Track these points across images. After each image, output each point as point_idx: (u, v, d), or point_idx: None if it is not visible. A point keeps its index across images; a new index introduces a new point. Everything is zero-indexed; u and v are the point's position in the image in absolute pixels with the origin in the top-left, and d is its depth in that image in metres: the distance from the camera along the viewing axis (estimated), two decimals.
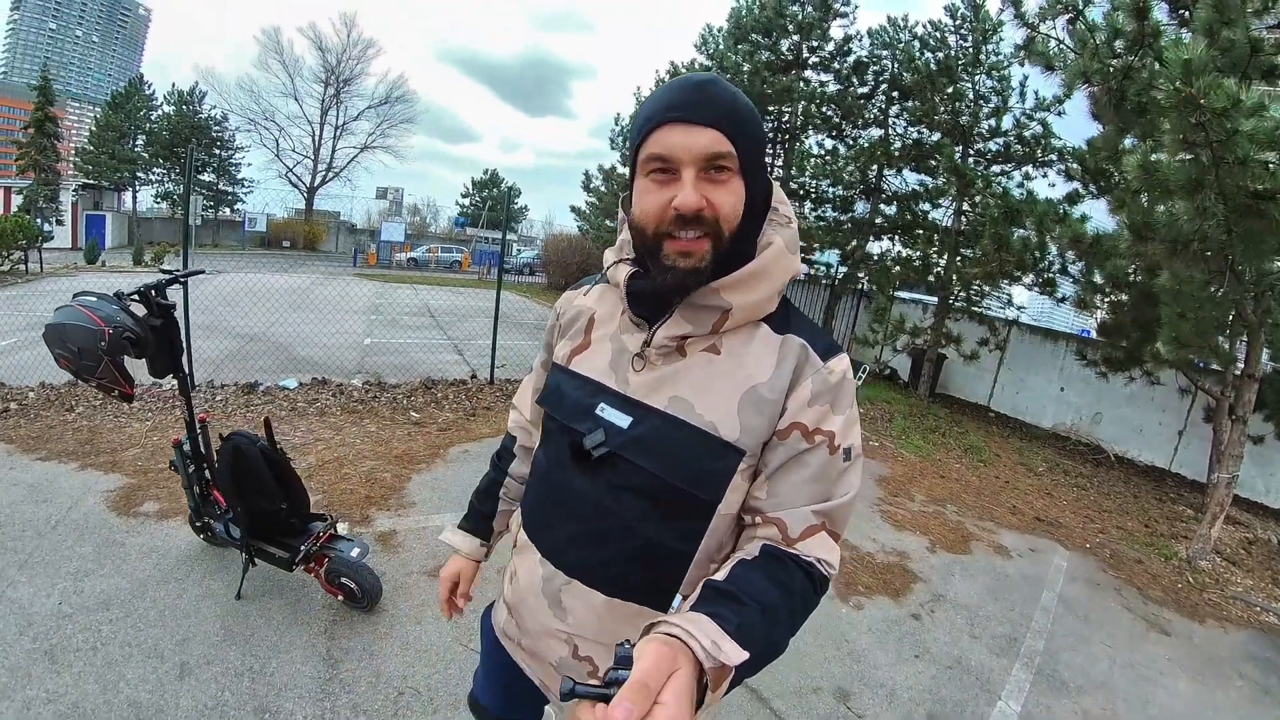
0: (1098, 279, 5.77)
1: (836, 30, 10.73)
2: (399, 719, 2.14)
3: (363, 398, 5.65)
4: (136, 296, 2.46)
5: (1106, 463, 7.03)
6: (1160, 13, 3.96)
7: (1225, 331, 4.34)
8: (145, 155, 33.09)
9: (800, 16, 10.51)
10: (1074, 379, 8.18)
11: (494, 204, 42.85)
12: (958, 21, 9.09)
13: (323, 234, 34.98)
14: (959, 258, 8.92)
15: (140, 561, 2.88)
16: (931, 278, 9.22)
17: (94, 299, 2.39)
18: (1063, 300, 7.58)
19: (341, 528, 3.15)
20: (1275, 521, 5.74)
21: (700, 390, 0.84)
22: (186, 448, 2.75)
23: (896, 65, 10.03)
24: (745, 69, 10.25)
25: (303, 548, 2.56)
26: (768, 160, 0.84)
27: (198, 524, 2.94)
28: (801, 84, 10.63)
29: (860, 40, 10.61)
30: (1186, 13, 4.26)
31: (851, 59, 10.63)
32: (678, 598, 0.83)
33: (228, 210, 32.96)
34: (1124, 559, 4.25)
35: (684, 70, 12.46)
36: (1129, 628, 3.34)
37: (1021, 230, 7.17)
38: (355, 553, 2.60)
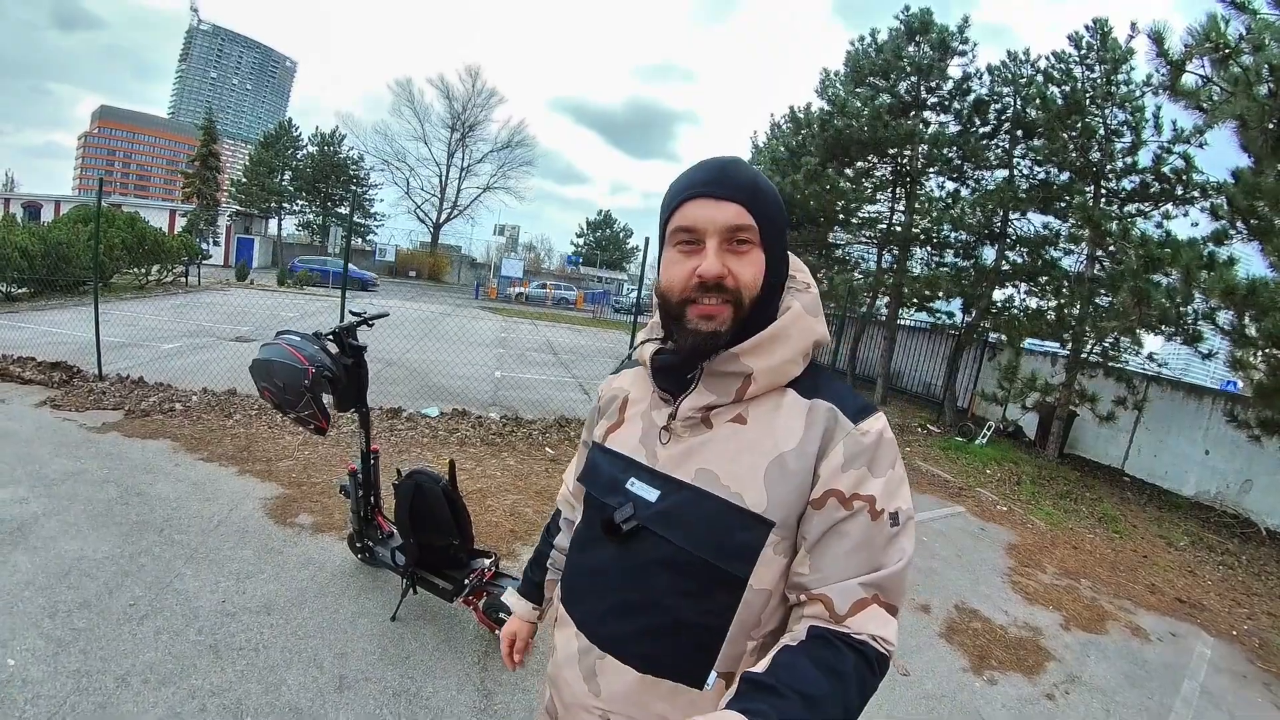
0: (1252, 332, 5.26)
1: (955, 69, 10.50)
2: None
3: (500, 431, 5.92)
4: (332, 337, 2.67)
5: (1257, 538, 6.28)
6: None
7: None
8: (290, 188, 37.71)
9: (918, 57, 10.38)
10: (1221, 441, 7.38)
11: (607, 244, 44.52)
12: (1083, 51, 8.63)
13: (446, 266, 37.78)
14: (1092, 307, 8.31)
15: (298, 571, 3.06)
16: (1065, 332, 8.58)
17: (298, 338, 2.60)
18: (1209, 355, 6.90)
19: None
20: None
21: (726, 461, 0.84)
22: (360, 477, 2.91)
23: (1020, 102, 9.64)
24: (865, 113, 10.21)
25: (468, 581, 2.63)
26: (789, 233, 0.88)
27: (358, 545, 3.08)
28: (922, 125, 10.45)
29: (980, 78, 10.32)
30: None
31: (971, 98, 10.34)
32: (713, 674, 0.83)
33: (360, 240, 36.41)
34: (1274, 649, 3.81)
35: (800, 115, 12.60)
36: None
37: (1164, 277, 6.62)
38: None
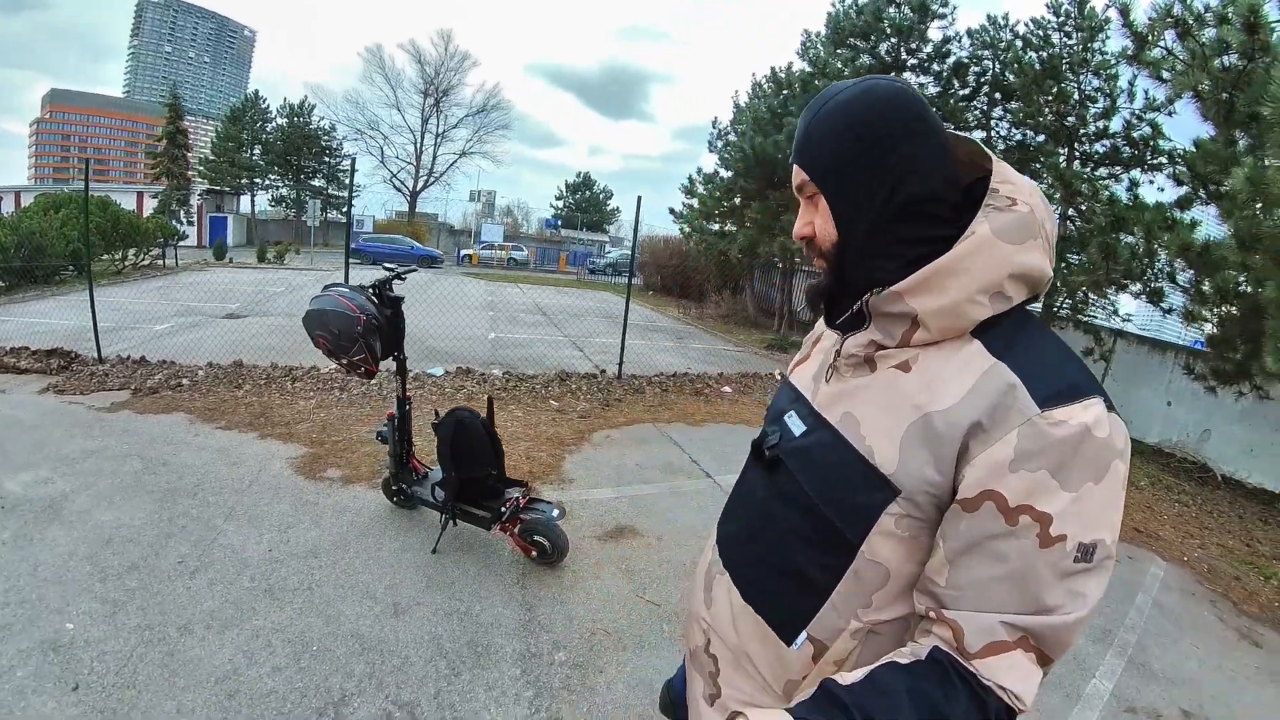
0: (1206, 289, 5.62)
1: (935, 32, 10.67)
2: (594, 653, 2.47)
3: (504, 386, 6.22)
4: (372, 290, 2.86)
5: (1212, 482, 6.76)
6: (1272, 9, 3.91)
7: None
8: (261, 163, 36.68)
9: (898, 19, 10.50)
10: (1182, 394, 7.84)
11: (587, 206, 44.06)
12: (1061, 18, 8.83)
13: (425, 235, 37.31)
14: (1064, 264, 8.69)
15: (336, 519, 3.24)
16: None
17: (347, 290, 2.80)
18: (1169, 311, 7.30)
19: None
20: None
21: (874, 410, 0.75)
22: (397, 421, 3.10)
23: (999, 66, 9.85)
24: (846, 74, 10.35)
25: (505, 509, 2.85)
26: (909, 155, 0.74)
27: (394, 488, 3.30)
28: None
29: (960, 41, 10.50)
30: None
31: (951, 60, 10.53)
32: (803, 635, 0.78)
33: (335, 212, 35.76)
34: (1221, 574, 4.22)
35: (782, 75, 12.67)
36: (1220, 635, 3.41)
37: (1130, 237, 6.97)
38: (555, 514, 2.91)
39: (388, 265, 3.10)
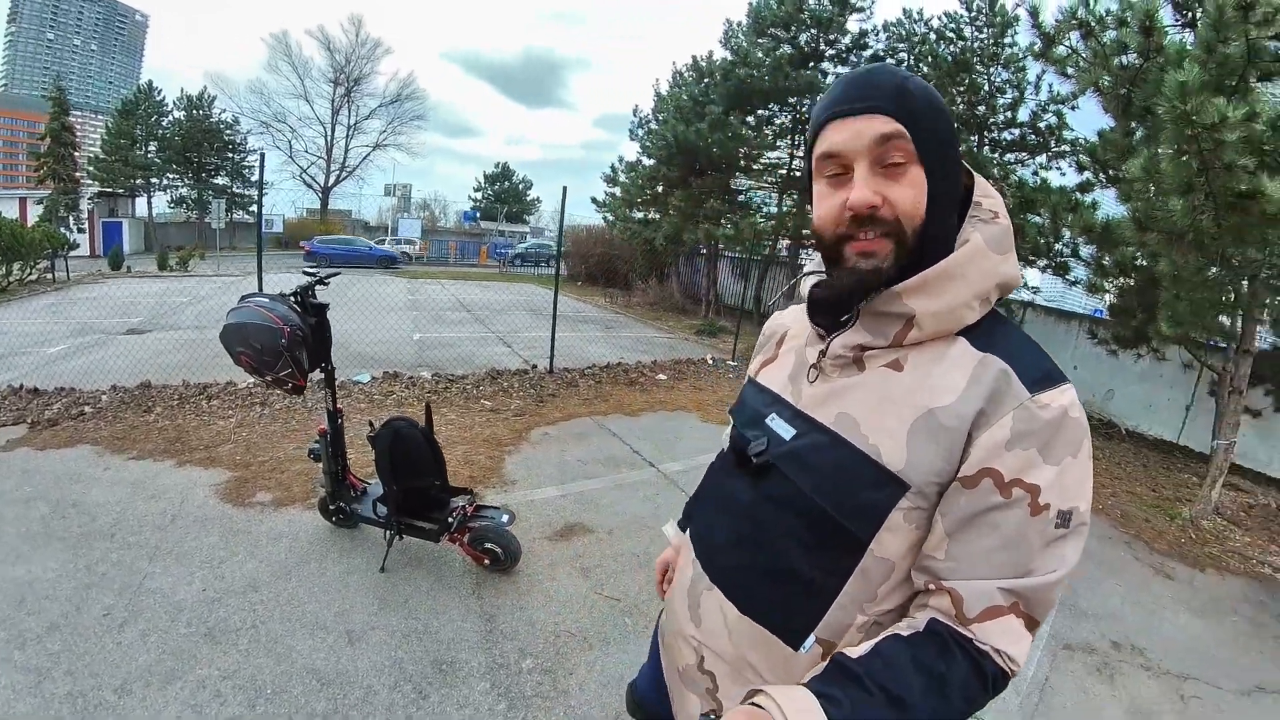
0: (1107, 263, 6.17)
1: (853, 24, 11.12)
2: (561, 656, 2.45)
3: (435, 388, 6.04)
4: (294, 298, 2.68)
5: (1118, 436, 7.46)
6: (1166, 14, 4.36)
7: (1224, 311, 4.76)
8: (158, 161, 33.76)
9: (818, 11, 10.86)
10: (1087, 358, 8.56)
11: (507, 197, 43.17)
12: (973, 14, 9.39)
13: (339, 232, 35.61)
14: None
15: (272, 546, 3.03)
16: None
17: (267, 300, 2.60)
18: (1074, 284, 7.97)
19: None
20: (1276, 489, 6.15)
21: (870, 409, 0.76)
22: (330, 436, 2.90)
23: (913, 58, 10.35)
24: (767, 63, 10.61)
25: (452, 519, 2.76)
26: (960, 149, 0.76)
27: (331, 508, 3.10)
28: (820, 76, 10.99)
29: (877, 34, 10.98)
30: (1190, 14, 4.66)
31: (868, 53, 10.99)
32: (811, 638, 0.77)
33: (243, 213, 33.58)
34: (1133, 518, 4.70)
35: (703, 64, 12.83)
36: (1137, 573, 3.81)
37: (1036, 217, 7.57)
38: (505, 519, 2.85)
39: (308, 270, 2.91)
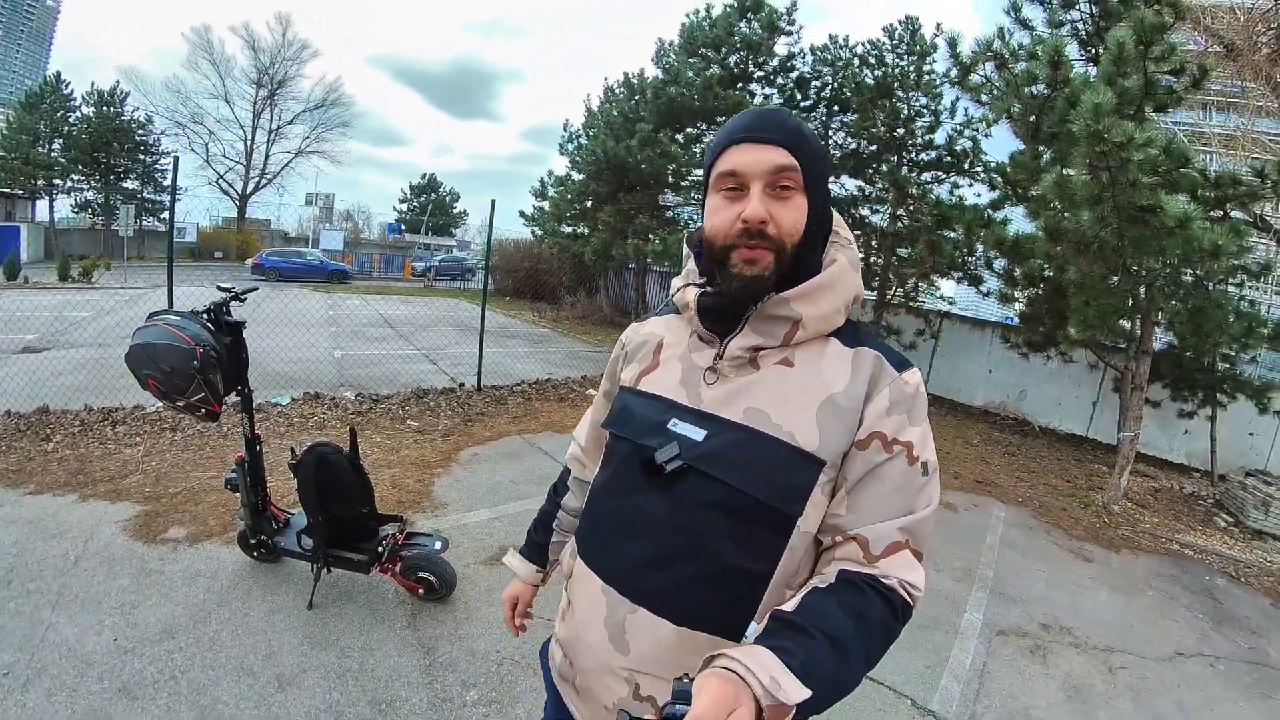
0: (1017, 274, 6.70)
1: (781, 48, 11.56)
2: (506, 685, 2.36)
3: (358, 409, 5.77)
4: (207, 315, 2.51)
5: (1032, 433, 8.03)
6: (1072, 50, 4.84)
7: (1126, 315, 5.25)
8: (63, 161, 30.93)
9: (748, 34, 11.26)
10: (1000, 362, 9.18)
11: (433, 208, 42.23)
12: (895, 42, 9.96)
13: (256, 244, 33.75)
14: (895, 258, 9.86)
15: (189, 587, 2.81)
16: (873, 278, 10.14)
17: (178, 318, 2.42)
18: (987, 294, 8.57)
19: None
20: (1178, 474, 6.80)
21: (776, 401, 0.84)
22: (248, 465, 2.72)
23: (838, 82, 10.88)
24: (697, 83, 10.90)
25: (382, 548, 2.62)
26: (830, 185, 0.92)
27: (252, 541, 2.90)
28: (748, 97, 11.38)
29: (803, 58, 11.46)
30: (1093, 50, 5.18)
31: (795, 75, 11.47)
32: (753, 625, 0.79)
33: (154, 220, 31.33)
34: (1051, 508, 5.07)
35: (635, 81, 13.05)
36: (1058, 558, 4.11)
37: (952, 233, 8.13)
38: (438, 546, 2.72)
39: (222, 285, 2.71)
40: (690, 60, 11.82)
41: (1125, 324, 5.32)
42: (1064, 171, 3.89)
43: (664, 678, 0.84)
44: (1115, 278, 4.44)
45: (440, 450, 4.95)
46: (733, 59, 11.65)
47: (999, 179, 6.99)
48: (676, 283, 0.99)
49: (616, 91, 13.77)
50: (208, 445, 4.62)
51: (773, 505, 0.81)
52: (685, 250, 1.01)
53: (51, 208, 31.45)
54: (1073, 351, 7.14)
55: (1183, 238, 3.64)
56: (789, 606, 0.74)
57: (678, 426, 0.88)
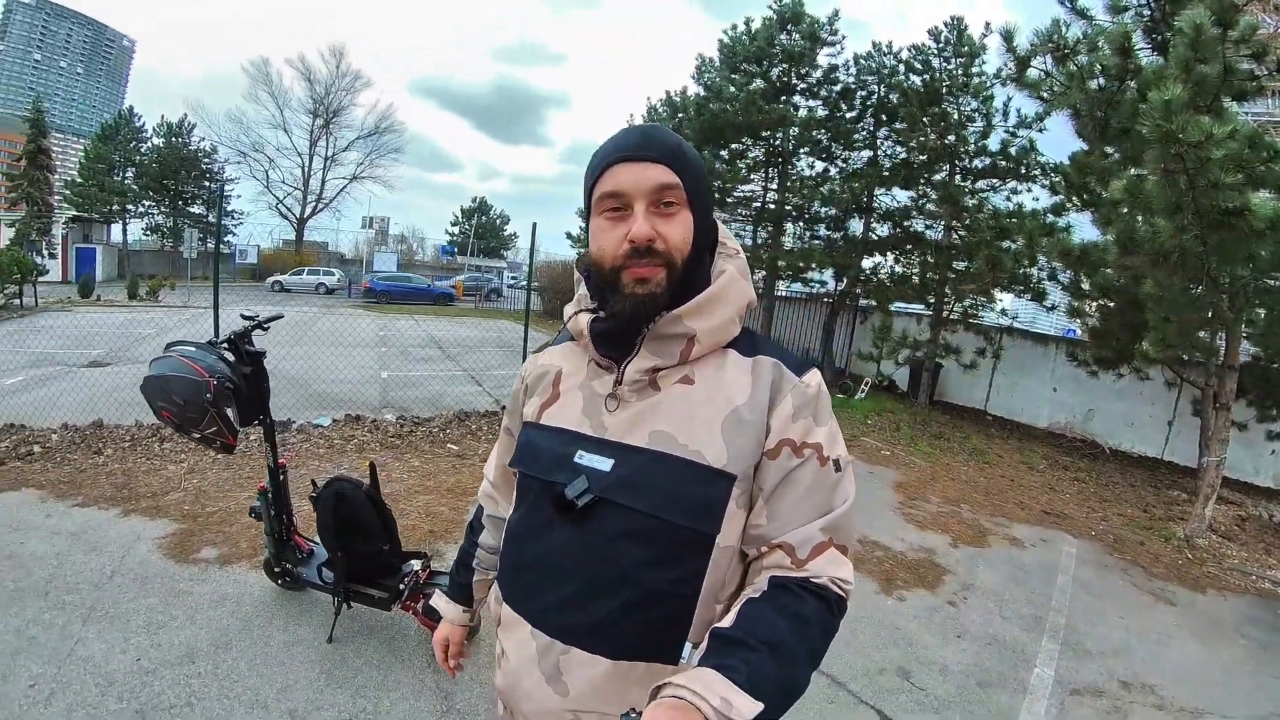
0: (1085, 286, 6.24)
1: (824, 59, 11.27)
2: None
3: (399, 432, 5.72)
4: (226, 345, 2.49)
5: (1102, 456, 7.45)
6: (1137, 38, 4.47)
7: (1206, 329, 4.78)
8: (135, 188, 33.17)
9: (789, 46, 11.04)
10: (1065, 379, 8.61)
11: (483, 230, 43.19)
12: (941, 45, 9.60)
13: (313, 265, 35.16)
14: (952, 272, 9.38)
15: (214, 611, 2.82)
16: (929, 294, 9.67)
17: (193, 349, 2.40)
18: (1052, 308, 8.04)
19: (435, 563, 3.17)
20: (1265, 499, 6.16)
21: (680, 421, 0.83)
22: (270, 495, 2.71)
23: (884, 89, 10.54)
24: (740, 98, 10.73)
25: (404, 586, 2.55)
26: (715, 197, 0.92)
27: (276, 569, 2.89)
28: (792, 110, 11.14)
29: (847, 68, 11.16)
30: (1160, 37, 4.78)
31: (839, 86, 11.17)
32: (687, 646, 0.80)
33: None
34: (1127, 542, 4.62)
35: (677, 99, 12.97)
36: (1138, 601, 3.70)
37: (1011, 244, 7.65)
38: None
39: (246, 314, 2.71)
40: (732, 76, 11.65)
41: (1205, 336, 4.84)
42: (1136, 173, 3.53)
43: (610, 713, 0.82)
44: (1197, 289, 4.01)
45: (477, 477, 4.78)
46: (775, 72, 11.42)
47: (1059, 181, 6.54)
48: (569, 310, 0.97)
49: (659, 110, 13.72)
50: (248, 465, 4.67)
51: (689, 526, 0.80)
52: (575, 276, 0.99)
53: (125, 231, 33.71)
54: (1148, 368, 6.58)
55: (1274, 240, 3.26)
56: (726, 622, 0.73)
57: (584, 459, 0.86)
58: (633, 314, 0.84)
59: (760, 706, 0.62)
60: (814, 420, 0.84)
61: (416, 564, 2.67)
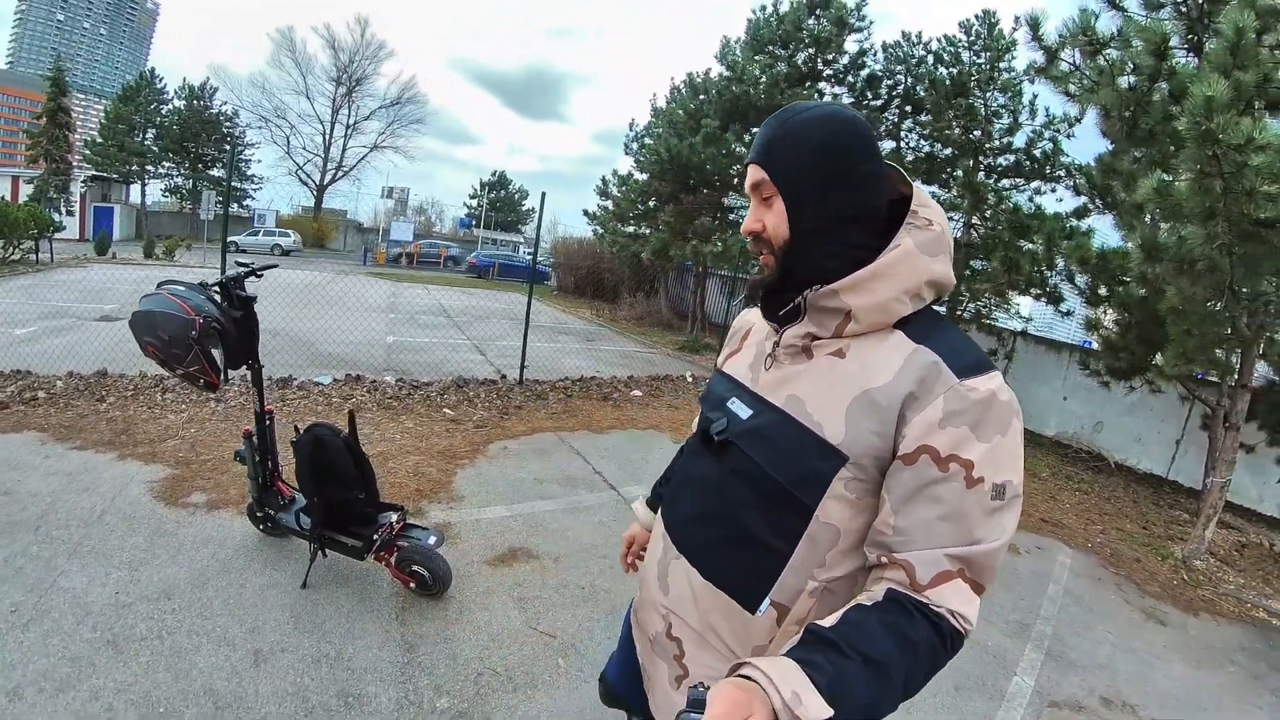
0: (1102, 293, 6.06)
1: (851, 45, 11.03)
2: (481, 698, 2.24)
3: (397, 394, 5.79)
4: (217, 288, 2.52)
5: (1107, 469, 7.29)
6: (1174, 39, 4.27)
7: (1224, 346, 4.62)
8: (155, 149, 33.47)
9: (817, 30, 10.79)
10: (1077, 388, 8.43)
11: (502, 205, 43.09)
12: (971, 38, 9.36)
13: (331, 232, 35.33)
14: (968, 270, 9.19)
15: (196, 552, 2.90)
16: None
17: (183, 288, 2.43)
18: (1068, 314, 7.84)
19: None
20: (1268, 527, 6.00)
21: (816, 391, 0.85)
22: (255, 440, 2.76)
23: (910, 80, 10.30)
24: (763, 80, 10.52)
25: (377, 536, 2.60)
26: (867, 170, 0.88)
27: (259, 514, 2.95)
28: (817, 95, 10.92)
29: (874, 55, 10.91)
30: (1196, 39, 4.56)
31: (865, 73, 10.93)
32: (766, 601, 0.85)
33: (236, 206, 33.19)
34: (1123, 557, 4.51)
35: (700, 80, 12.75)
36: (1128, 618, 3.61)
37: (1030, 244, 7.45)
38: (433, 540, 2.68)
39: (241, 261, 2.76)
40: (756, 58, 11.43)
41: (1220, 354, 4.68)
42: (1166, 177, 3.37)
43: (690, 624, 0.94)
44: (1217, 303, 3.85)
45: (470, 441, 4.88)
46: (800, 56, 11.19)
47: (1084, 183, 6.33)
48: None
49: (682, 91, 13.51)
50: (245, 417, 4.75)
51: (790, 490, 0.83)
52: None
53: (144, 191, 34.16)
54: (1162, 383, 6.39)
55: None
56: (828, 621, 0.72)
57: (734, 405, 0.96)
58: (753, 291, 0.97)
59: (829, 713, 0.60)
60: (972, 432, 0.74)
61: (393, 516, 2.72)
